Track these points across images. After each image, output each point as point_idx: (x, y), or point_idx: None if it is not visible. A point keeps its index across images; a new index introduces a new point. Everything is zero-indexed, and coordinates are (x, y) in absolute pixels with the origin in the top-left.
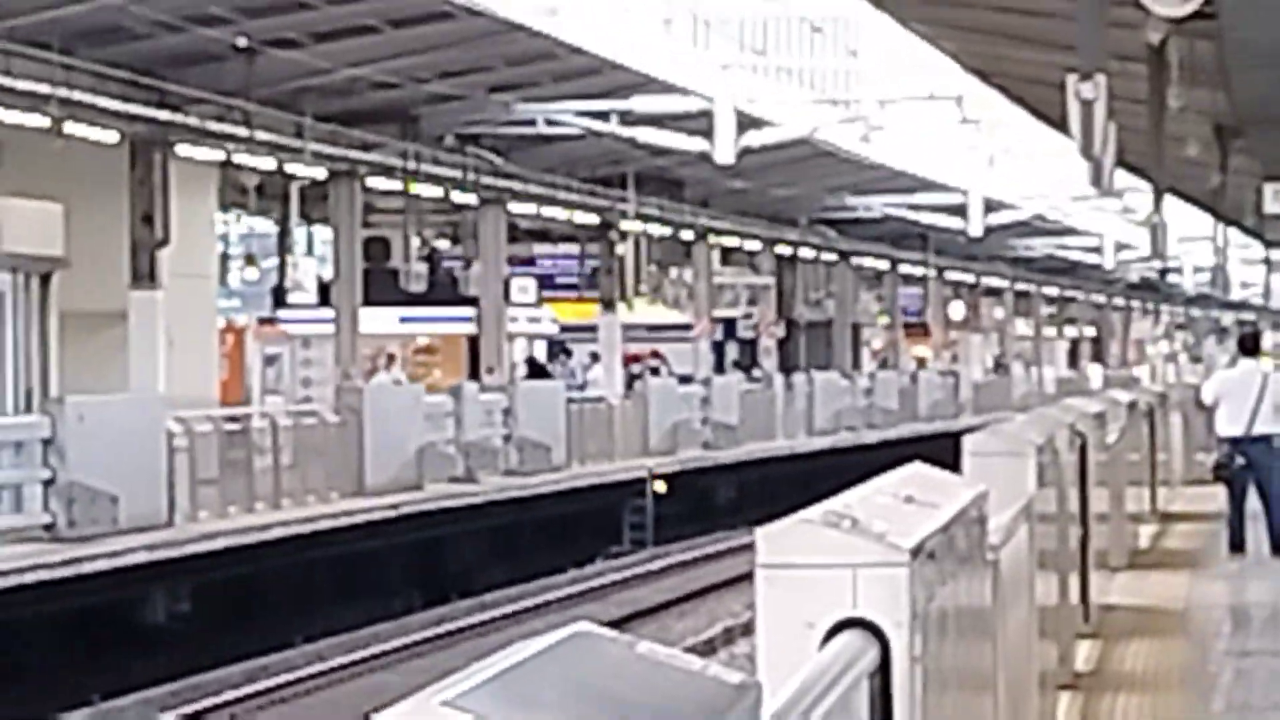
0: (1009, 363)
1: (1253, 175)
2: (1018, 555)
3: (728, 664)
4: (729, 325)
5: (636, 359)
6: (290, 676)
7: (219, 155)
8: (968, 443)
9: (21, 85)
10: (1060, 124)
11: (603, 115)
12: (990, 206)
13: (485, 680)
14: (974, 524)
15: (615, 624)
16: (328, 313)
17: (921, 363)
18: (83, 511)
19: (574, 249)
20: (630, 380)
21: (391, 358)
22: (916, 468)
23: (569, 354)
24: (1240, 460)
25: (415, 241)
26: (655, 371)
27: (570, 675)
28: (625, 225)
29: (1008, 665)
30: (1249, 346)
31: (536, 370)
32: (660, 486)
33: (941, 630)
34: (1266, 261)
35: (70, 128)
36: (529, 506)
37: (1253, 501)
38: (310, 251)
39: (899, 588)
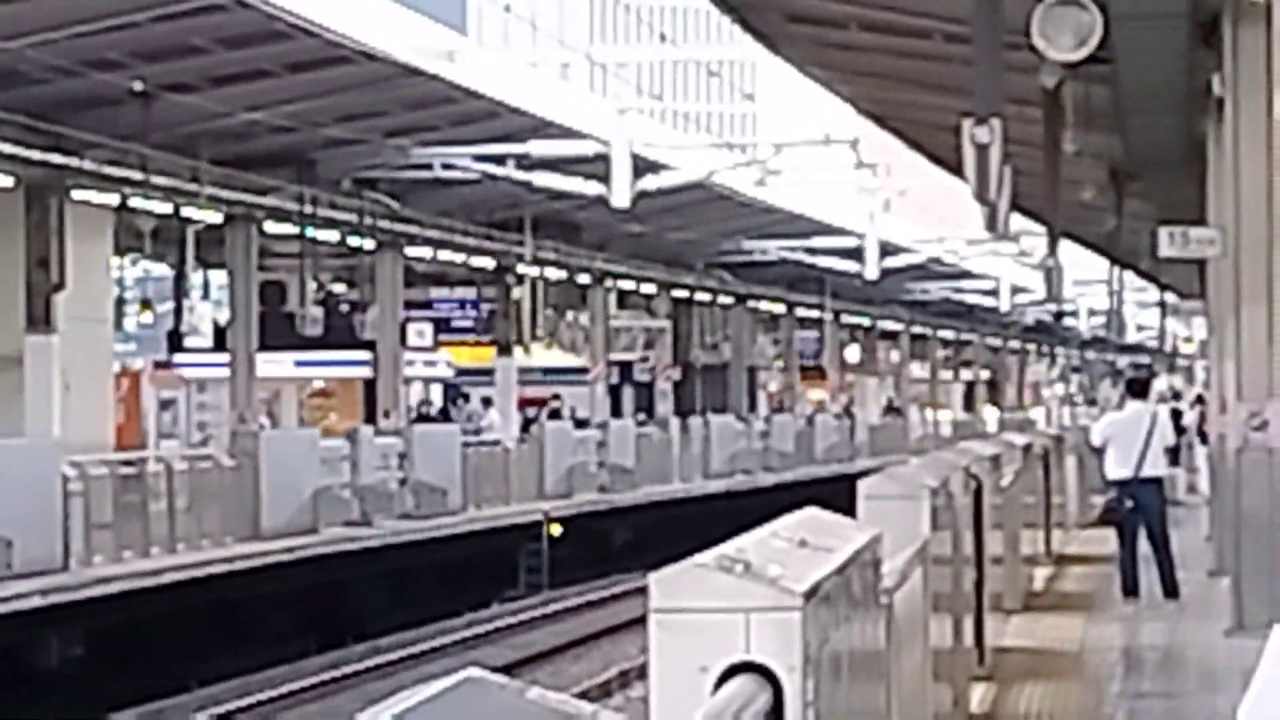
0: (901, 406)
1: (1147, 219)
2: (912, 598)
3: (623, 708)
4: (625, 368)
5: (534, 402)
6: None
7: (115, 199)
8: (862, 486)
9: None
10: (956, 168)
11: (499, 159)
12: (886, 250)
13: None
14: (868, 567)
15: (510, 668)
16: (223, 357)
17: (821, 405)
18: None
19: (471, 293)
20: (527, 424)
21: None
22: (810, 512)
23: (466, 398)
24: (1129, 503)
25: (311, 285)
26: (556, 414)
27: None
28: (522, 269)
29: (902, 708)
30: (1137, 389)
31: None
32: (556, 530)
33: (835, 674)
34: (1161, 305)
35: None
36: (425, 550)
37: (1144, 544)
38: (206, 296)
39: (791, 632)
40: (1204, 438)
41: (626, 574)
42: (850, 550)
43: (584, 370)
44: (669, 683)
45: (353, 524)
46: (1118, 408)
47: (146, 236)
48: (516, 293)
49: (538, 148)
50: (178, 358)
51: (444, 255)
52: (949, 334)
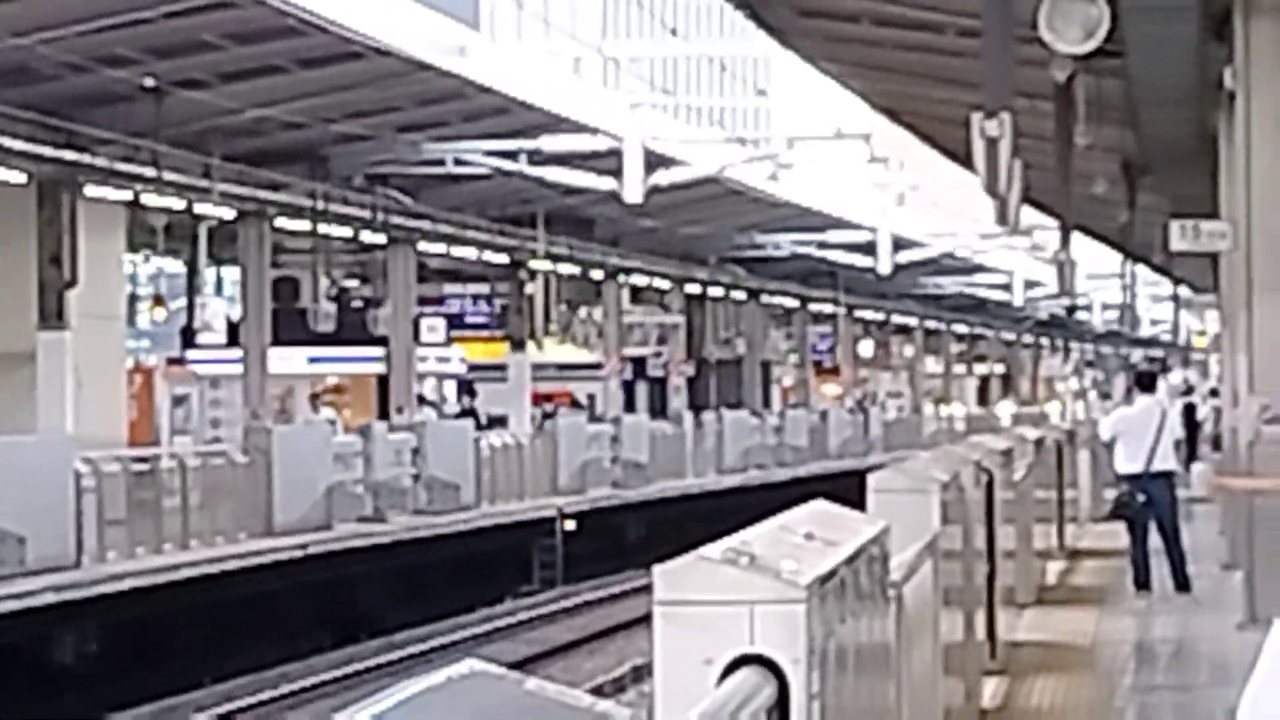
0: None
1: (1160, 212)
2: (922, 592)
3: (636, 702)
4: (639, 364)
5: (548, 398)
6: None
7: (127, 196)
8: (872, 480)
9: None
10: (968, 161)
11: (512, 155)
12: (899, 244)
13: (374, 717)
14: (875, 561)
15: (523, 663)
16: (236, 353)
17: (840, 399)
18: None
19: (484, 288)
20: (543, 419)
21: (316, 396)
22: (819, 505)
23: (474, 394)
24: (1140, 497)
25: (324, 281)
26: (578, 404)
27: (457, 712)
28: (535, 264)
29: (912, 702)
30: (1146, 383)
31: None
32: (570, 525)
33: (841, 666)
34: (1174, 298)
35: None
36: (438, 546)
37: (1155, 538)
38: (219, 292)
39: (796, 624)
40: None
41: (640, 569)
42: (857, 543)
43: (597, 366)
44: (674, 675)
45: (366, 520)
46: (1126, 402)
47: (159, 233)
48: (530, 288)
49: (550, 143)
50: (191, 354)
51: (457, 251)
52: (963, 328)
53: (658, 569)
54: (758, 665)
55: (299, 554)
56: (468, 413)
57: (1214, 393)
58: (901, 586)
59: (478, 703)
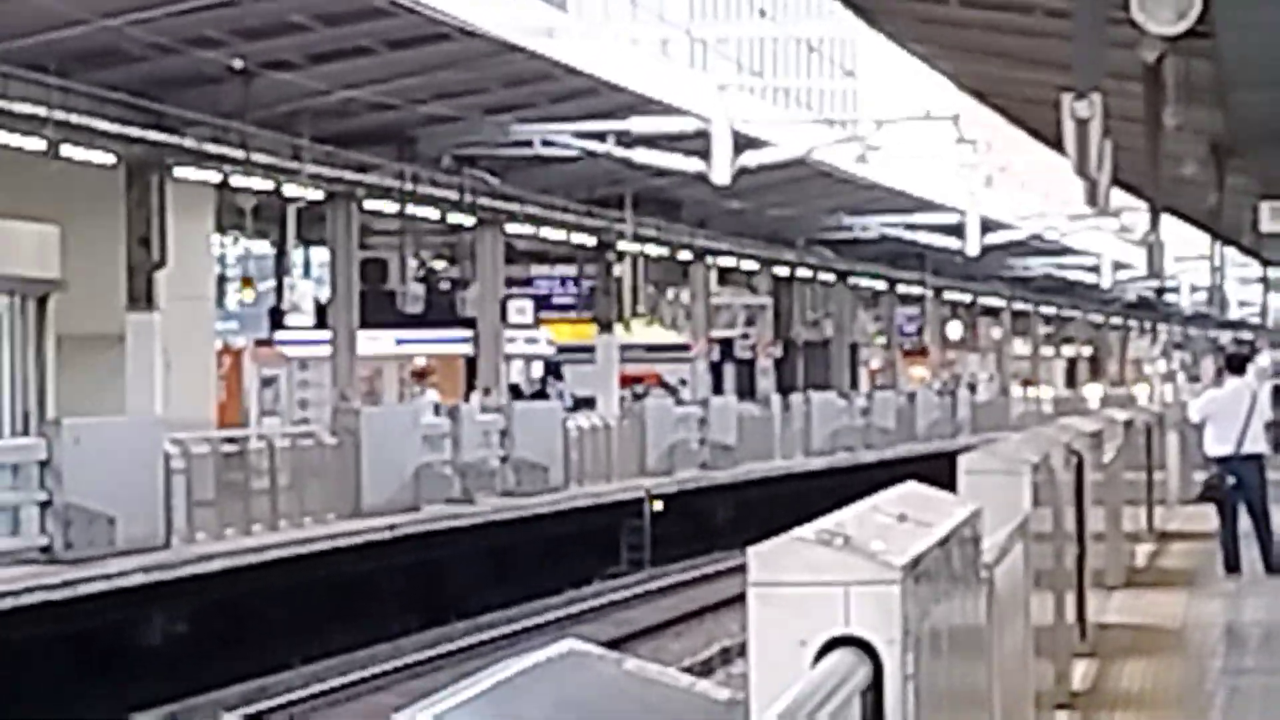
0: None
1: (1249, 194)
2: (1013, 574)
3: (724, 684)
4: (726, 346)
5: (639, 379)
6: (289, 698)
7: (215, 177)
8: (963, 461)
9: (18, 108)
10: (1057, 143)
11: (599, 136)
12: (987, 226)
13: (473, 697)
14: (968, 542)
15: (612, 644)
16: (325, 334)
17: (953, 378)
18: (80, 533)
19: (571, 270)
20: (635, 399)
21: (421, 375)
22: (911, 486)
23: (560, 376)
24: (1230, 480)
25: (412, 263)
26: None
27: (558, 692)
28: (622, 246)
29: (1003, 684)
30: (1236, 365)
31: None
32: (658, 507)
33: (935, 648)
34: (1264, 280)
35: (66, 150)
36: (526, 527)
37: (1245, 521)
38: (307, 273)
39: (891, 606)
40: None
41: (728, 551)
42: (950, 525)
43: (685, 347)
44: (768, 657)
45: (454, 501)
46: (1215, 384)
47: (247, 214)
48: (617, 270)
49: (638, 124)
50: (279, 335)
51: (544, 232)
52: (1050, 310)
53: (752, 550)
54: (852, 647)
55: (387, 535)
56: (539, 394)
57: None
58: (993, 568)
59: (578, 682)
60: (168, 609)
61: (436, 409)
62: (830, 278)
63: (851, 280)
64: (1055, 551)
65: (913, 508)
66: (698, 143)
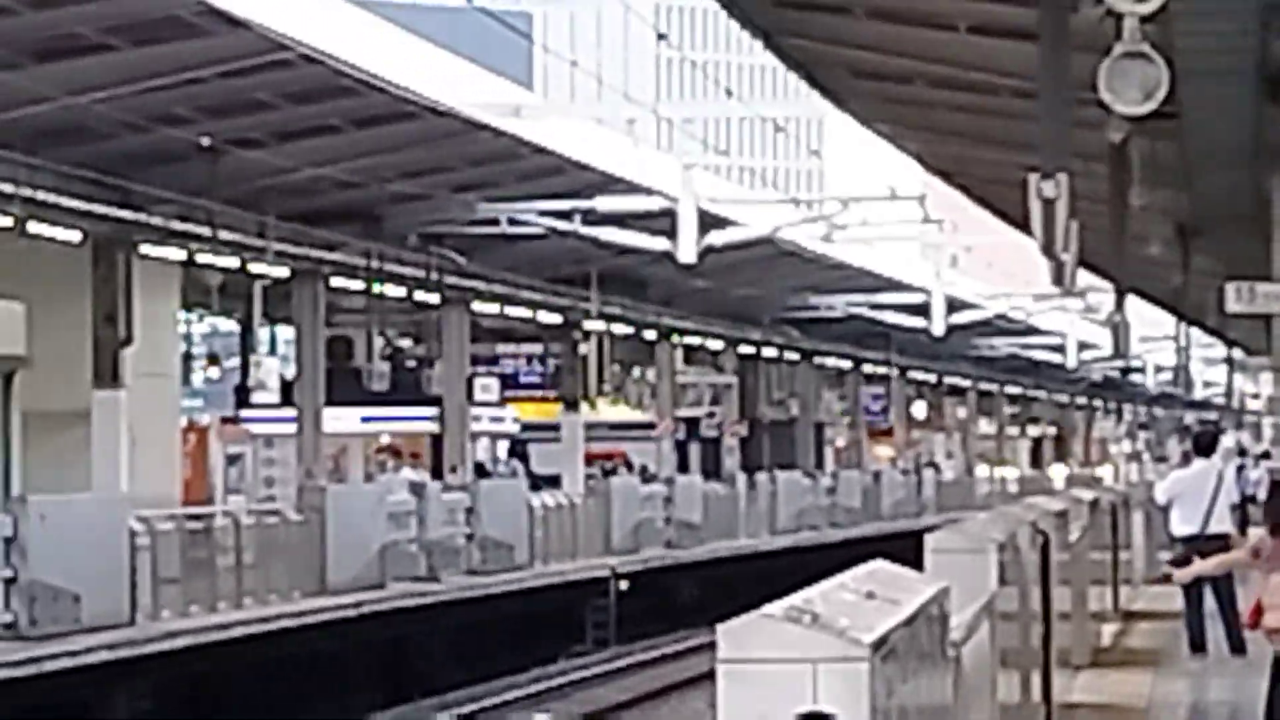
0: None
1: (1214, 275)
2: (980, 652)
3: None
4: (692, 424)
5: (609, 456)
6: None
7: (182, 255)
8: (930, 540)
9: None
10: (1023, 223)
11: (566, 215)
12: (953, 306)
13: None
14: (935, 621)
15: None
16: (290, 412)
17: (919, 457)
18: (45, 610)
19: (537, 348)
20: (605, 475)
21: (397, 453)
22: (878, 565)
23: (525, 456)
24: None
25: (378, 341)
26: (614, 471)
27: None
28: (588, 324)
29: None
30: (1203, 446)
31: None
32: (623, 585)
33: None
34: (1229, 361)
35: (34, 227)
36: (491, 605)
37: (1211, 601)
38: (273, 351)
39: (859, 683)
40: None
41: (693, 629)
42: (917, 603)
43: (651, 426)
44: None
45: (420, 579)
46: (1182, 465)
47: (214, 292)
48: (583, 348)
49: (604, 203)
50: (245, 413)
51: (511, 310)
52: (1016, 390)
53: (721, 627)
54: None
55: (353, 613)
56: (481, 471)
57: (1264, 455)
58: (960, 647)
59: None
60: (132, 686)
61: (412, 486)
62: (796, 357)
63: (817, 359)
64: (1021, 630)
65: (880, 586)
66: (664, 221)
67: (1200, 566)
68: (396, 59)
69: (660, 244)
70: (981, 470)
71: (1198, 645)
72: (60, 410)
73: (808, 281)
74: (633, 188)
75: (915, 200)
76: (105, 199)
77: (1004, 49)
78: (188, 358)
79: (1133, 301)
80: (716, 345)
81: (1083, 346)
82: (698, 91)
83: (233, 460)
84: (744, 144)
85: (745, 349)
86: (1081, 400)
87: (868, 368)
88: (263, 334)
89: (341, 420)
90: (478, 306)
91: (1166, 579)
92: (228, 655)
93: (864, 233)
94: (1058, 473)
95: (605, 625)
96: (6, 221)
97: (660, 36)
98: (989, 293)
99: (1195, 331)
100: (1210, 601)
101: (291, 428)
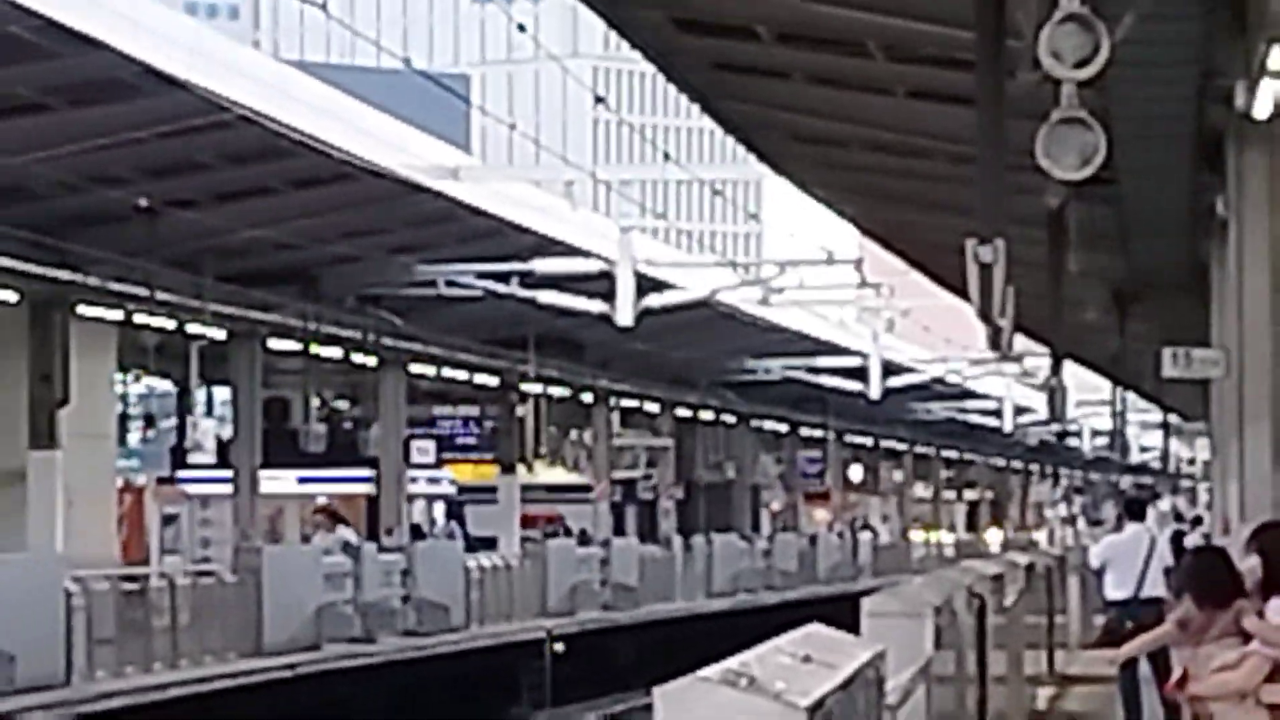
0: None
1: (1151, 340)
2: (916, 716)
3: None
4: (629, 487)
5: (550, 519)
6: None
7: (119, 315)
8: (866, 604)
9: None
10: (960, 287)
11: (503, 277)
12: (890, 370)
13: None
14: (871, 684)
15: None
16: (227, 473)
17: (854, 523)
18: None
19: (474, 410)
20: (546, 538)
21: (334, 515)
22: (814, 628)
23: (462, 518)
24: (1129, 624)
25: (315, 402)
26: (555, 534)
27: None
28: (525, 387)
29: None
30: (1135, 510)
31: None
32: (559, 647)
33: None
34: (1165, 426)
35: None
36: (427, 667)
37: (1144, 665)
38: (209, 412)
39: None
40: None
41: (629, 692)
42: (854, 666)
43: (587, 488)
44: None
45: (356, 641)
46: (1115, 529)
47: (150, 352)
48: (520, 410)
49: (542, 266)
50: (181, 474)
51: (448, 372)
52: (952, 454)
53: (658, 690)
54: None
55: (288, 674)
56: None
57: (1197, 521)
58: (896, 710)
59: None
60: None
61: (346, 546)
62: (733, 420)
63: (754, 422)
64: (957, 694)
65: (817, 649)
66: (601, 284)
67: (1129, 648)
68: (335, 121)
69: (598, 306)
70: (918, 534)
71: (1132, 711)
72: None
73: (745, 345)
74: (570, 250)
75: (852, 264)
76: (42, 259)
77: (942, 114)
78: (124, 418)
79: (1069, 366)
80: (653, 408)
81: (1019, 411)
82: (635, 154)
83: (169, 521)
84: (682, 207)
85: (682, 412)
86: (1018, 464)
87: (804, 431)
88: (199, 395)
89: (278, 481)
90: (415, 368)
91: (1101, 644)
92: (163, 716)
93: (801, 296)
94: (994, 537)
95: (541, 687)
96: None
97: (598, 100)
98: (926, 357)
99: (1131, 396)
100: (1145, 667)
101: (228, 489)
